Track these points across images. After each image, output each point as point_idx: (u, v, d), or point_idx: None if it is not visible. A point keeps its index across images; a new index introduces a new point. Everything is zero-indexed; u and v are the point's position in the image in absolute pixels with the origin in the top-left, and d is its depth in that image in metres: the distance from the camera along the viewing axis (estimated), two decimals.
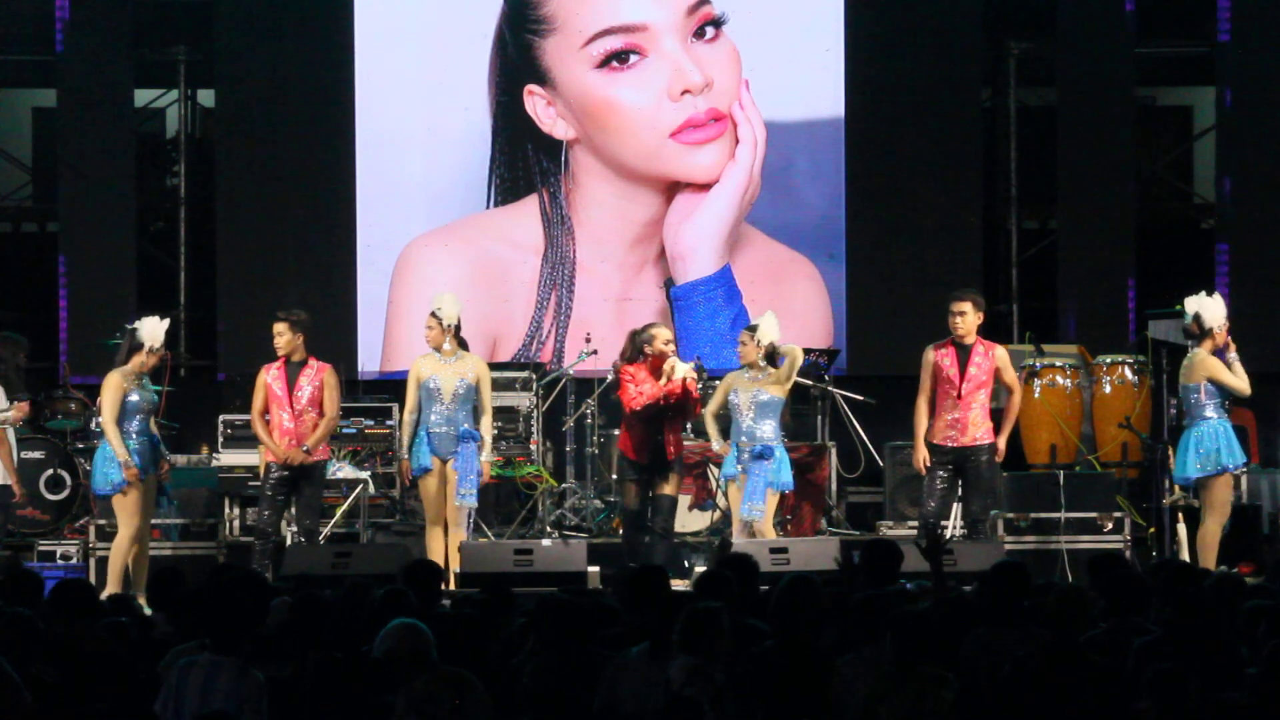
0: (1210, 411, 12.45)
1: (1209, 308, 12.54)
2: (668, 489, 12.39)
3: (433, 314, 12.47)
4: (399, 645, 6.78)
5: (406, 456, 12.39)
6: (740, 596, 8.10)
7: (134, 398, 12.27)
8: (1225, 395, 12.48)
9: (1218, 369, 12.41)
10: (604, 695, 7.14)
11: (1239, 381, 12.41)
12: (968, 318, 12.32)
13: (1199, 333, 12.53)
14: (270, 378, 12.39)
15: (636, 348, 12.46)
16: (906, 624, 6.94)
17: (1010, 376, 12.47)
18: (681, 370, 12.34)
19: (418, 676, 6.71)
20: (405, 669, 6.74)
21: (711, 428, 12.50)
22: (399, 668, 6.74)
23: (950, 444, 12.24)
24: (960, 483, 12.41)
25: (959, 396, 12.23)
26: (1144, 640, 7.52)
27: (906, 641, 6.90)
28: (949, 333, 12.42)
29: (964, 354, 12.29)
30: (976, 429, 12.30)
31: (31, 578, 8.88)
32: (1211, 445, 12.40)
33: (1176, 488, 14.05)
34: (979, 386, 12.30)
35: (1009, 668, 7.16)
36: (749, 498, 12.25)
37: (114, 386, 12.20)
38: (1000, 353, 12.47)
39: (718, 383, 14.55)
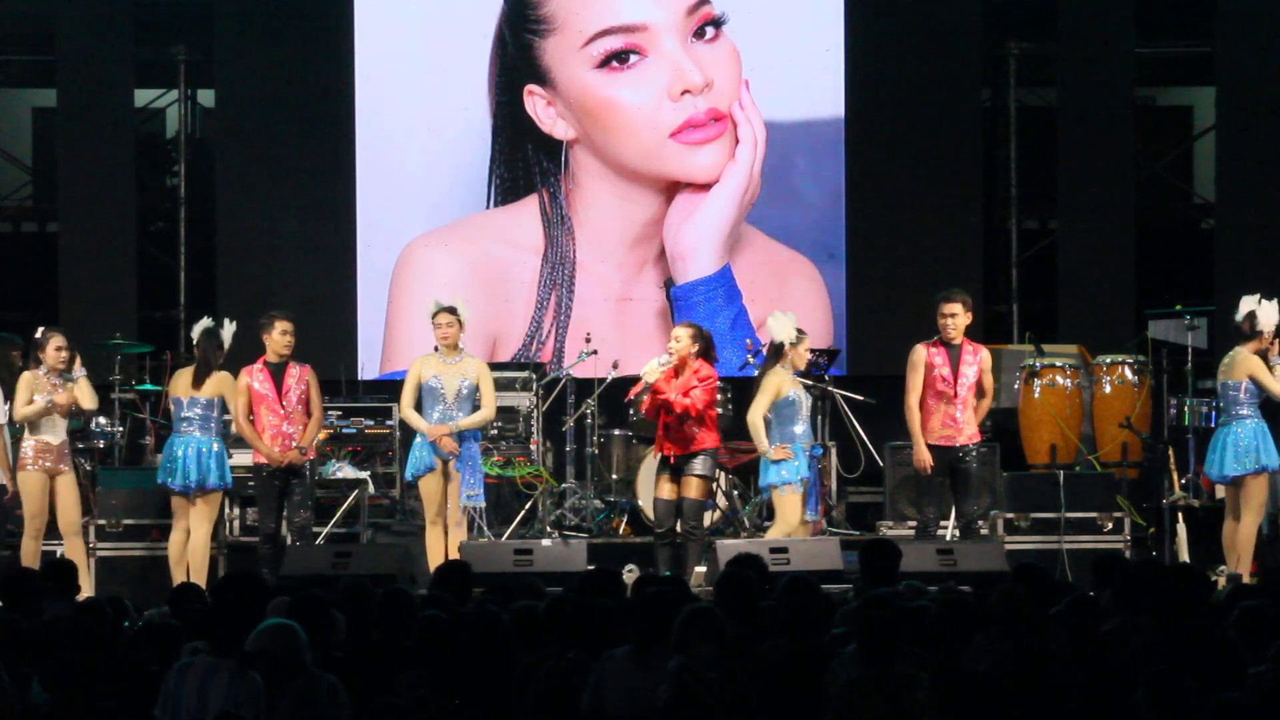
0: (1247, 410, 12.44)
1: (1265, 311, 12.48)
2: (691, 492, 12.30)
3: (451, 311, 12.42)
4: (273, 646, 6.76)
5: (445, 433, 12.26)
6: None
7: None
8: (1260, 396, 12.44)
9: (1260, 369, 12.40)
10: (590, 697, 7.15)
11: (1278, 386, 12.39)
12: (959, 319, 12.27)
13: (1249, 332, 12.49)
14: (255, 380, 12.37)
15: None
16: (875, 626, 6.94)
17: (990, 380, 12.43)
18: (647, 371, 12.22)
19: (292, 678, 6.71)
20: (278, 669, 6.72)
21: (763, 430, 12.34)
22: (272, 668, 6.73)
23: (946, 444, 12.21)
24: (951, 483, 12.35)
25: (954, 396, 12.20)
26: (1142, 642, 7.53)
27: (875, 643, 6.92)
28: (937, 333, 12.40)
29: (954, 354, 12.26)
30: (970, 428, 12.29)
31: (33, 578, 8.88)
32: (1250, 444, 12.40)
33: (1177, 487, 14.08)
34: (971, 387, 12.27)
35: (983, 672, 7.18)
36: (813, 497, 12.24)
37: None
38: (985, 355, 12.44)
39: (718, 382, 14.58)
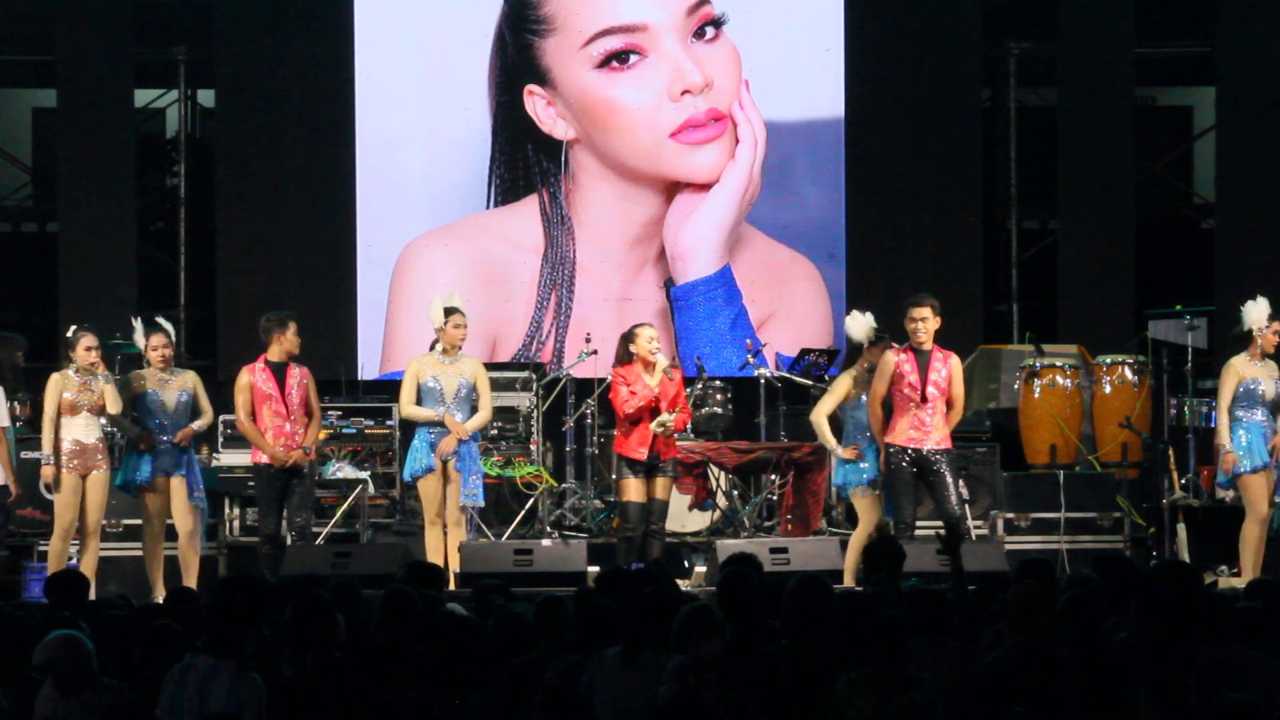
0: (1236, 413, 12.38)
1: (1249, 310, 12.43)
2: (661, 494, 12.29)
3: (459, 312, 12.41)
4: (57, 656, 6.72)
5: (465, 434, 12.23)
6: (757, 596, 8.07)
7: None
8: (1254, 397, 12.37)
9: (1224, 379, 12.38)
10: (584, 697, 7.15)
11: (1224, 400, 12.35)
12: (929, 323, 12.06)
13: (1242, 334, 12.47)
14: (258, 379, 12.33)
15: (625, 349, 12.40)
16: (875, 626, 6.96)
17: (959, 390, 12.15)
18: (663, 363, 12.23)
19: (81, 689, 6.68)
20: (65, 680, 6.69)
21: (826, 428, 12.32)
22: (58, 678, 6.69)
23: (912, 445, 12.06)
24: (926, 487, 12.22)
25: (923, 400, 12.02)
26: (1123, 636, 7.55)
27: (875, 643, 6.93)
28: (907, 338, 12.22)
29: (923, 360, 12.09)
30: (938, 433, 12.07)
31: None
32: (1238, 447, 12.36)
33: (1177, 487, 14.09)
34: (942, 393, 12.10)
35: (983, 671, 7.19)
36: (888, 498, 12.24)
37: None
38: (955, 362, 12.18)
39: (717, 382, 14.58)
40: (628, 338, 12.34)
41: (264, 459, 12.24)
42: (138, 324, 12.67)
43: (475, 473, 12.34)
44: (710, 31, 16.07)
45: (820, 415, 12.35)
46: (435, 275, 15.83)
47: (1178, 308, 15.34)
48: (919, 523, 12.38)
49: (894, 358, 12.08)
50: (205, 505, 12.46)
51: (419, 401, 12.33)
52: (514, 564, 12.08)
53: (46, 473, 12.20)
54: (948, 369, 12.09)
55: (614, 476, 13.85)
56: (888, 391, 12.07)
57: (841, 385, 12.35)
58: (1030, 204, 17.55)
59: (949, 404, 12.12)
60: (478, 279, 16.03)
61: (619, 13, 16.06)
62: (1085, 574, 8.51)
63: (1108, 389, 14.68)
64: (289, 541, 12.36)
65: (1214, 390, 13.79)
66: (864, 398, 12.26)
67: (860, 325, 12.40)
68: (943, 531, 9.45)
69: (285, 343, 12.30)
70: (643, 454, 12.15)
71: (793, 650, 7.32)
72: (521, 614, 7.75)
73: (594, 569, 12.21)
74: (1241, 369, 12.38)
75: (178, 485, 12.31)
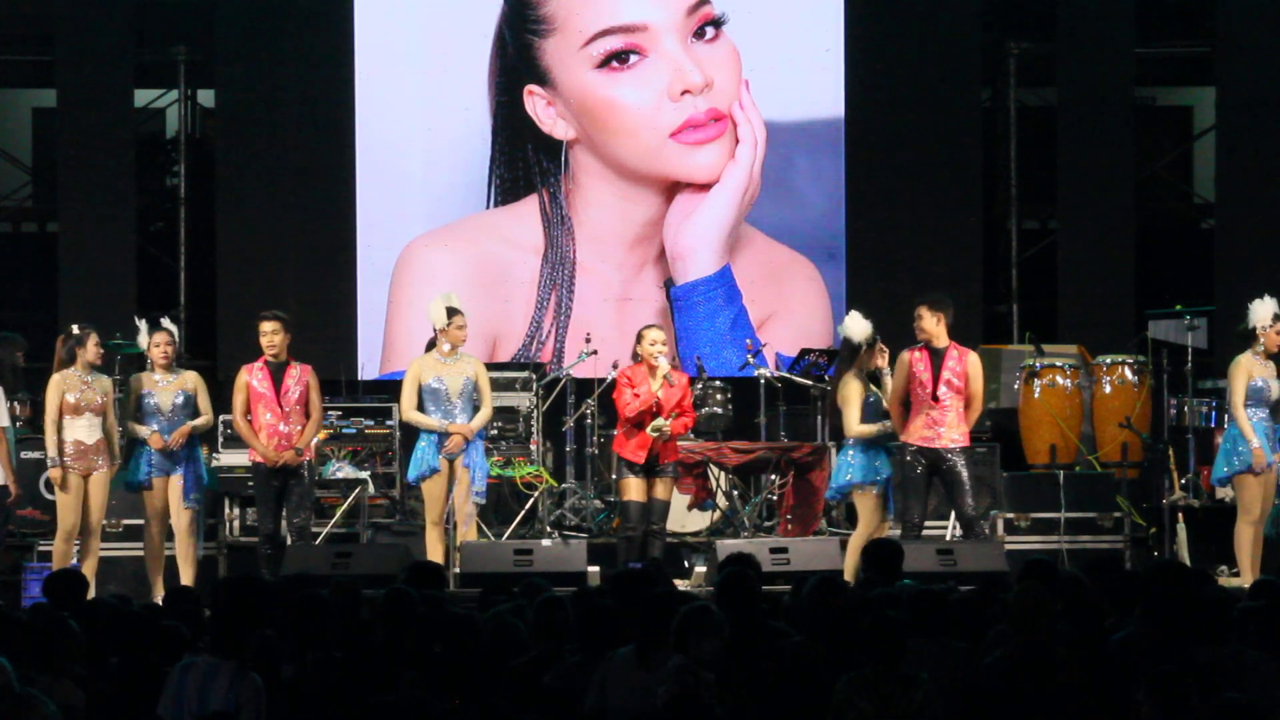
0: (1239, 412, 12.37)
1: (1255, 308, 12.41)
2: (661, 494, 12.29)
3: (459, 312, 12.40)
4: None
5: (470, 432, 12.23)
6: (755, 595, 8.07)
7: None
8: (1260, 396, 12.35)
9: (1233, 376, 12.36)
10: (594, 697, 7.16)
11: (1237, 397, 12.34)
12: (923, 322, 12.03)
13: (1246, 331, 12.46)
14: (254, 379, 12.32)
15: (636, 349, 12.38)
16: (875, 626, 6.97)
17: (976, 387, 12.10)
18: (664, 368, 12.20)
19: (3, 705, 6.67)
20: None
21: (867, 427, 12.26)
22: None
23: (925, 445, 12.06)
24: (942, 485, 12.20)
25: (934, 398, 12.00)
26: (1120, 636, 7.55)
27: (875, 643, 6.94)
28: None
29: (937, 358, 12.07)
30: (952, 431, 12.04)
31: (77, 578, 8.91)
32: (1237, 445, 12.34)
33: (1177, 487, 14.10)
34: (955, 391, 12.04)
35: (983, 671, 7.20)
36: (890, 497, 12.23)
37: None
38: (973, 359, 12.17)
39: (717, 382, 14.58)
40: (638, 338, 12.35)
41: (260, 458, 12.25)
42: (142, 325, 12.69)
43: (482, 470, 12.35)
44: (710, 31, 16.07)
45: (857, 427, 12.23)
46: (435, 275, 15.83)
47: (1178, 308, 15.35)
48: (925, 523, 12.40)
49: (907, 356, 12.10)
50: (200, 507, 12.42)
51: (421, 403, 12.33)
52: (514, 564, 12.06)
53: (55, 475, 12.17)
54: (963, 366, 12.06)
55: (614, 476, 13.84)
56: (905, 390, 12.08)
57: (854, 392, 12.24)
58: (1030, 204, 17.55)
59: (965, 402, 12.09)
60: (478, 279, 16.03)
61: (619, 13, 16.07)
62: (1074, 574, 8.51)
63: (1108, 389, 14.67)
64: (288, 541, 12.36)
65: (1214, 390, 13.83)
66: (870, 398, 12.24)
67: (859, 325, 12.37)
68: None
69: (266, 341, 12.29)
70: (641, 457, 12.16)
71: (801, 650, 7.32)
72: (514, 619, 7.73)
73: (594, 569, 12.24)
74: (1250, 366, 12.36)
75: (175, 485, 12.31)
